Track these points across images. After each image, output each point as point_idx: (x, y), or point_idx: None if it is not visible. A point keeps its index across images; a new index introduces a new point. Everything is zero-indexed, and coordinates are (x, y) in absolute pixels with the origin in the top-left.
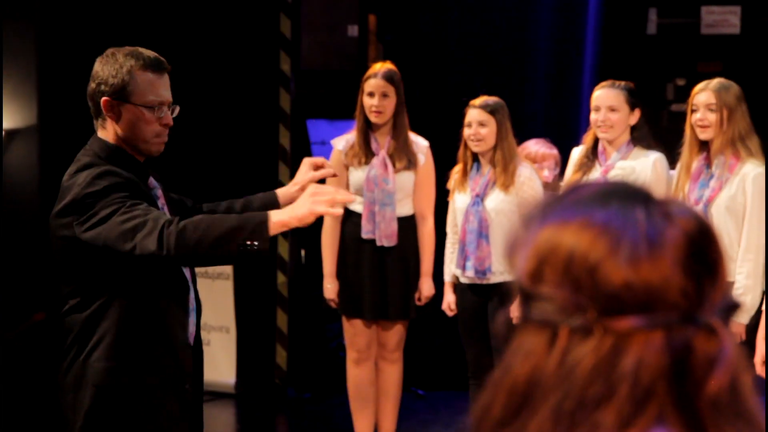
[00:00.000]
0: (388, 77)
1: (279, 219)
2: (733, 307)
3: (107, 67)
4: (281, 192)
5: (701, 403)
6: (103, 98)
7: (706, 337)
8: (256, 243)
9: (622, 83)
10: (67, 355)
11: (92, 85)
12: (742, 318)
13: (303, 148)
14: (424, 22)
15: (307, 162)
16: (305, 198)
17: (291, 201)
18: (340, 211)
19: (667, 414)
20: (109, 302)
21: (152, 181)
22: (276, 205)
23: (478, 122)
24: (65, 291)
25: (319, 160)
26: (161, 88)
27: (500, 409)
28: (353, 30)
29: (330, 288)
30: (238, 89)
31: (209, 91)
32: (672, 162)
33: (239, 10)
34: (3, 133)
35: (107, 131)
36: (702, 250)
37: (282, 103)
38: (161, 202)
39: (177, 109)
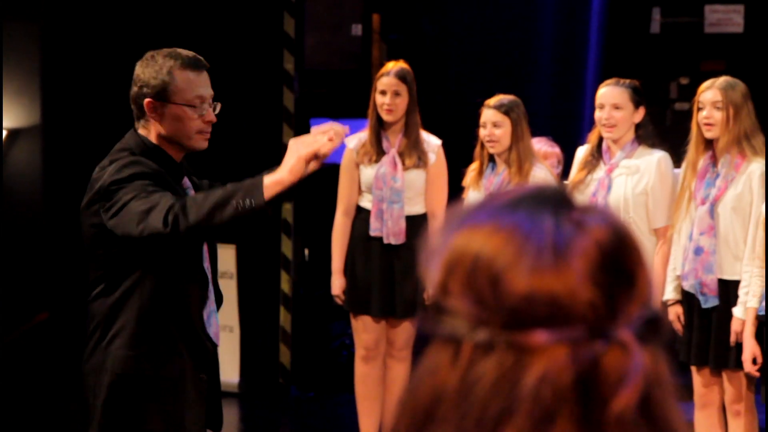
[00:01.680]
0: (401, 76)
1: (272, 178)
2: (654, 320)
3: (147, 70)
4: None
5: (606, 423)
6: (146, 100)
7: (616, 353)
8: (251, 200)
9: (627, 81)
10: (90, 341)
11: (134, 88)
12: (741, 313)
13: None
14: (428, 22)
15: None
16: (289, 150)
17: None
18: (328, 146)
19: None
20: (132, 290)
21: (186, 181)
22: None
23: (493, 123)
24: (93, 277)
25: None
26: (201, 85)
27: (405, 429)
28: (357, 29)
29: (337, 284)
30: (242, 88)
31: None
32: (677, 160)
33: (243, 9)
34: (4, 132)
35: (149, 131)
36: (616, 261)
37: (286, 102)
38: None
39: (219, 106)
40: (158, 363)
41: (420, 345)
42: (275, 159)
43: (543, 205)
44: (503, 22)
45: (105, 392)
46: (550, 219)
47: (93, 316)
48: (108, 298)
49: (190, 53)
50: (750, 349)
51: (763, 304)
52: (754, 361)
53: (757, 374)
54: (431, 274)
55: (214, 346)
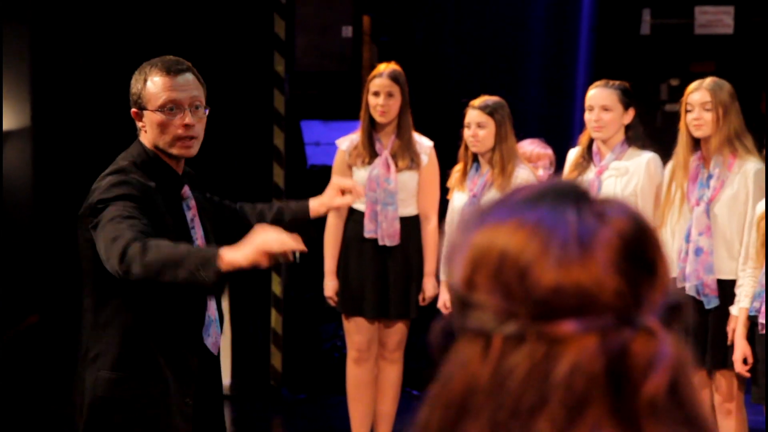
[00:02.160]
0: (394, 77)
1: (228, 257)
2: (677, 306)
3: (133, 80)
4: (313, 205)
5: (639, 407)
6: (132, 110)
7: (643, 339)
8: (204, 273)
9: (616, 83)
10: (78, 354)
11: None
12: (735, 311)
13: (297, 149)
14: (419, 23)
15: (334, 185)
16: (254, 235)
17: (318, 216)
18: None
19: (604, 421)
20: (118, 309)
21: (186, 191)
22: (307, 215)
23: (477, 124)
24: (84, 289)
25: (347, 184)
26: (174, 89)
27: (437, 423)
28: (347, 31)
29: (330, 286)
30: (232, 90)
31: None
32: (667, 161)
33: (233, 11)
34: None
35: (144, 140)
36: (638, 251)
37: (276, 104)
38: (192, 213)
39: (206, 110)
40: (140, 388)
41: (411, 346)
42: (266, 161)
43: (564, 199)
44: (494, 24)
45: (86, 413)
46: (572, 212)
47: (81, 329)
48: (95, 315)
49: (172, 58)
50: (741, 349)
51: (755, 304)
52: (745, 361)
53: (748, 375)
54: (455, 270)
55: (214, 357)
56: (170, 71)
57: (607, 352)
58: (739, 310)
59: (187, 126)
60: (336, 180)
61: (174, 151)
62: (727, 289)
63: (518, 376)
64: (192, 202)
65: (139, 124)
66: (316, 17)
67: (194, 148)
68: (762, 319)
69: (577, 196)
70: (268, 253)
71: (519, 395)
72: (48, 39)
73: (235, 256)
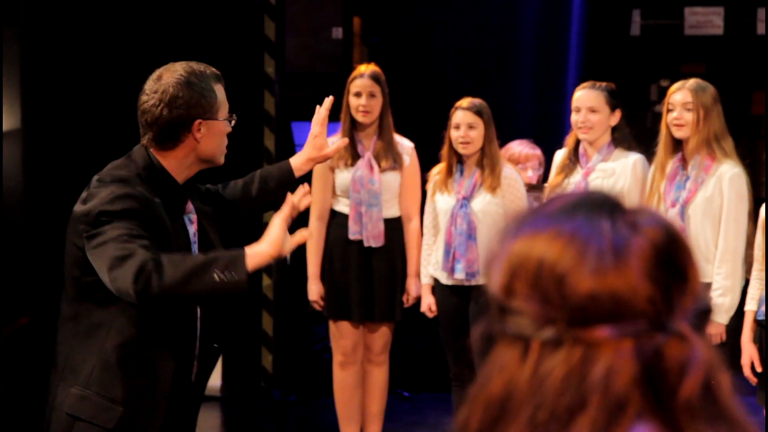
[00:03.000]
0: (375, 77)
1: (254, 250)
2: (707, 311)
3: (189, 91)
4: (295, 164)
5: (676, 409)
6: (197, 121)
7: (676, 343)
8: (233, 273)
9: (603, 84)
10: (51, 367)
11: (175, 112)
12: (722, 318)
13: (287, 150)
14: (409, 25)
15: (311, 136)
16: (272, 224)
17: (303, 174)
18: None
19: (642, 422)
20: (99, 326)
21: (190, 205)
22: (292, 177)
23: (467, 124)
24: (65, 295)
25: (323, 113)
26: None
27: (477, 423)
28: (338, 32)
29: (314, 290)
30: None
31: None
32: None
33: (223, 13)
34: None
35: (178, 150)
36: (669, 258)
37: (266, 106)
38: (194, 228)
39: (234, 118)
40: (112, 410)
41: (394, 348)
42: (256, 163)
43: (599, 209)
44: (484, 25)
45: (50, 428)
46: (606, 222)
47: (57, 338)
48: (75, 324)
49: (210, 67)
50: (748, 352)
51: (762, 308)
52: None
53: (755, 379)
54: (494, 277)
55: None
56: (221, 80)
57: (641, 355)
58: (745, 312)
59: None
60: (314, 128)
61: (221, 159)
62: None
63: (556, 379)
64: (194, 216)
65: (197, 135)
66: (307, 19)
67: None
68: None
69: (611, 207)
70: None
71: (557, 397)
72: (39, 41)
73: (260, 246)
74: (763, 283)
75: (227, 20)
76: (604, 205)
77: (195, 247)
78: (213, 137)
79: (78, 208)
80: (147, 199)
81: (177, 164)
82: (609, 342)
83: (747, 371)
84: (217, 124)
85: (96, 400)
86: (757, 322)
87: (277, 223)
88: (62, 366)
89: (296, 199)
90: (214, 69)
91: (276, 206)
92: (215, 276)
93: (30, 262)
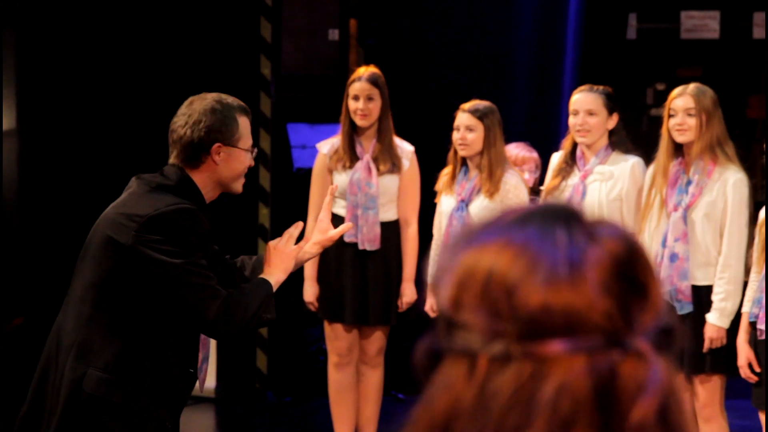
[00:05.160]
0: (373, 80)
1: (277, 281)
2: (669, 330)
3: (217, 116)
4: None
5: None
6: (216, 145)
7: (633, 362)
8: (270, 312)
9: (600, 87)
10: (57, 343)
11: (197, 133)
12: (723, 322)
13: (283, 152)
14: (405, 27)
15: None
16: (274, 253)
17: (303, 260)
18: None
19: None
20: (124, 317)
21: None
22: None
23: (466, 127)
24: (82, 281)
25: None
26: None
27: None
28: (334, 34)
29: (310, 291)
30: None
31: (189, 95)
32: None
33: (219, 14)
34: None
35: (200, 171)
36: (629, 272)
37: (262, 107)
38: None
39: (255, 151)
40: (131, 395)
41: (389, 350)
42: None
43: (554, 219)
44: (481, 28)
45: (63, 405)
46: (562, 232)
47: (69, 318)
48: (94, 310)
49: (238, 100)
50: (744, 354)
51: (755, 310)
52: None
53: (755, 377)
54: (442, 290)
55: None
56: (247, 114)
57: (594, 373)
58: (741, 314)
59: (249, 166)
60: (321, 213)
61: (237, 186)
62: (702, 296)
63: (503, 397)
64: None
65: (216, 158)
66: (303, 20)
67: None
68: (761, 325)
69: (567, 216)
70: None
71: (504, 416)
72: (35, 42)
73: (278, 277)
74: (760, 285)
75: (223, 21)
76: (560, 214)
77: None
78: (232, 163)
79: (121, 208)
80: (198, 212)
81: (201, 184)
82: (561, 358)
83: (745, 372)
84: (236, 152)
85: (118, 384)
86: (751, 324)
87: (282, 253)
88: (71, 345)
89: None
90: (242, 103)
91: None
92: (265, 317)
93: (25, 263)
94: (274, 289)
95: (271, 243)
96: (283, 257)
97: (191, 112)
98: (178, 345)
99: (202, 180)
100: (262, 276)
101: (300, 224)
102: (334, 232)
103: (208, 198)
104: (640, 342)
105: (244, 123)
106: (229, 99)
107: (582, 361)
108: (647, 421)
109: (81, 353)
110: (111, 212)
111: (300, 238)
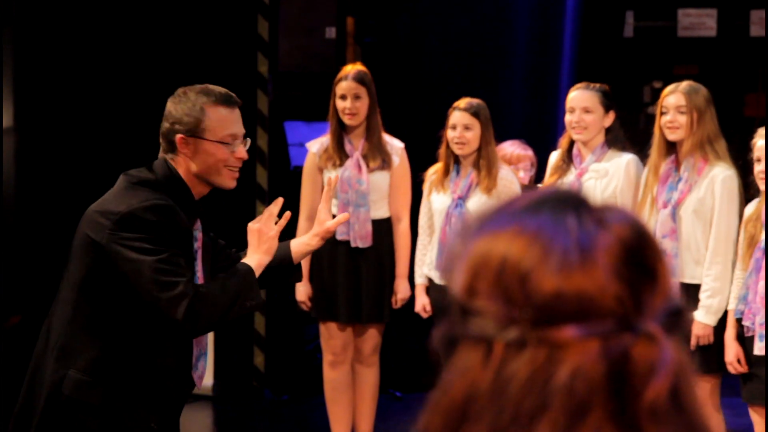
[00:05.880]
0: (359, 79)
1: (258, 264)
2: (677, 313)
3: (180, 106)
4: (295, 248)
5: (640, 413)
6: (178, 136)
7: (644, 344)
8: (253, 302)
9: (597, 85)
10: (42, 345)
11: (166, 124)
12: (710, 320)
13: (280, 150)
14: (402, 25)
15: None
16: (254, 234)
17: (304, 252)
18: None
19: (605, 426)
20: (106, 317)
21: (198, 223)
22: (290, 259)
23: (464, 125)
24: (66, 282)
25: (327, 222)
26: (234, 122)
27: (438, 429)
28: (331, 32)
29: (302, 290)
30: None
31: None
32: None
33: (216, 12)
34: None
35: (178, 165)
36: (638, 256)
37: (259, 105)
38: (198, 245)
39: (249, 142)
40: (110, 397)
41: (386, 348)
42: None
43: (564, 205)
44: (478, 26)
45: (44, 406)
46: (572, 219)
47: (53, 319)
48: (75, 311)
49: (223, 90)
50: (733, 350)
51: (740, 307)
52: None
53: (744, 368)
54: (455, 278)
55: (190, 390)
56: (229, 104)
57: (608, 357)
58: (728, 311)
59: (241, 158)
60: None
61: (223, 181)
62: (691, 294)
63: (519, 382)
64: (199, 234)
65: (184, 150)
66: (300, 18)
67: (236, 181)
68: (745, 322)
69: (577, 203)
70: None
71: (520, 401)
72: (32, 40)
73: (260, 259)
74: (743, 281)
75: (221, 19)
76: (570, 201)
77: (195, 264)
78: (201, 155)
79: (100, 206)
80: (175, 209)
81: (186, 178)
82: (575, 342)
83: (734, 367)
84: (204, 144)
85: (97, 386)
86: (737, 321)
87: (262, 234)
88: (54, 346)
89: (274, 208)
90: (226, 92)
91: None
92: (246, 304)
93: (23, 260)
94: (258, 271)
95: (251, 224)
96: (265, 238)
97: (168, 103)
98: (163, 344)
99: (184, 173)
100: (243, 260)
101: (280, 200)
102: (331, 223)
103: (197, 192)
104: (651, 325)
105: (215, 114)
106: (209, 89)
107: (595, 345)
108: (660, 401)
109: (62, 355)
110: (90, 210)
111: (292, 230)
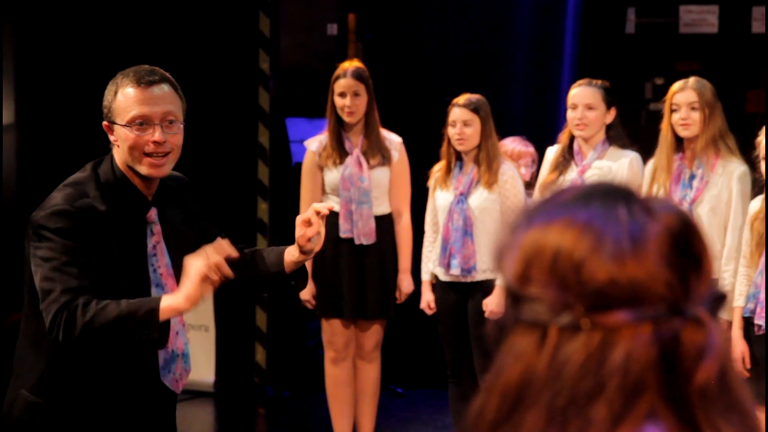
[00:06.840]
0: (358, 75)
1: (169, 304)
2: (720, 298)
3: (106, 91)
4: (288, 254)
5: (691, 394)
6: (103, 123)
7: (693, 328)
8: (146, 333)
9: (599, 82)
10: (10, 368)
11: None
12: (727, 315)
13: (282, 146)
14: (404, 21)
15: (298, 221)
16: (189, 271)
17: (297, 262)
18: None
19: (659, 406)
20: (44, 327)
21: (152, 215)
22: (283, 271)
23: (463, 121)
24: (24, 296)
25: (308, 215)
26: (144, 103)
27: (494, 411)
28: (332, 29)
29: (306, 289)
30: (218, 88)
31: (188, 89)
32: (647, 161)
33: (218, 9)
34: None
35: (116, 155)
36: (685, 244)
37: (261, 102)
38: (155, 239)
39: (181, 126)
40: (57, 420)
41: (388, 344)
42: (251, 159)
43: (613, 197)
44: (479, 22)
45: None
46: (623, 209)
47: (16, 342)
48: (27, 325)
49: (146, 68)
50: (739, 348)
51: (749, 305)
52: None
53: (747, 374)
54: (507, 268)
55: (171, 396)
56: (141, 82)
57: (659, 340)
58: (732, 310)
59: (156, 143)
60: (299, 217)
61: (143, 169)
62: None
63: (575, 365)
64: (156, 228)
65: (112, 138)
66: (302, 15)
67: (166, 167)
68: (758, 321)
69: (625, 195)
70: (208, 280)
71: (576, 383)
72: (33, 36)
73: (176, 302)
74: (750, 279)
75: (222, 16)
76: (618, 193)
77: (154, 260)
78: (120, 143)
79: (34, 213)
80: (88, 213)
81: (123, 168)
82: (628, 327)
83: (739, 366)
84: (117, 129)
85: (43, 408)
86: (745, 319)
87: (195, 277)
88: (16, 366)
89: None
90: (150, 70)
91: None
92: (128, 336)
93: (23, 258)
94: (166, 315)
95: (191, 259)
96: (194, 285)
97: None
98: (113, 357)
99: (121, 164)
100: (165, 295)
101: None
102: (311, 229)
103: (145, 186)
104: (699, 309)
105: (124, 95)
106: (130, 69)
107: (647, 329)
108: (709, 383)
109: (17, 372)
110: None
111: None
